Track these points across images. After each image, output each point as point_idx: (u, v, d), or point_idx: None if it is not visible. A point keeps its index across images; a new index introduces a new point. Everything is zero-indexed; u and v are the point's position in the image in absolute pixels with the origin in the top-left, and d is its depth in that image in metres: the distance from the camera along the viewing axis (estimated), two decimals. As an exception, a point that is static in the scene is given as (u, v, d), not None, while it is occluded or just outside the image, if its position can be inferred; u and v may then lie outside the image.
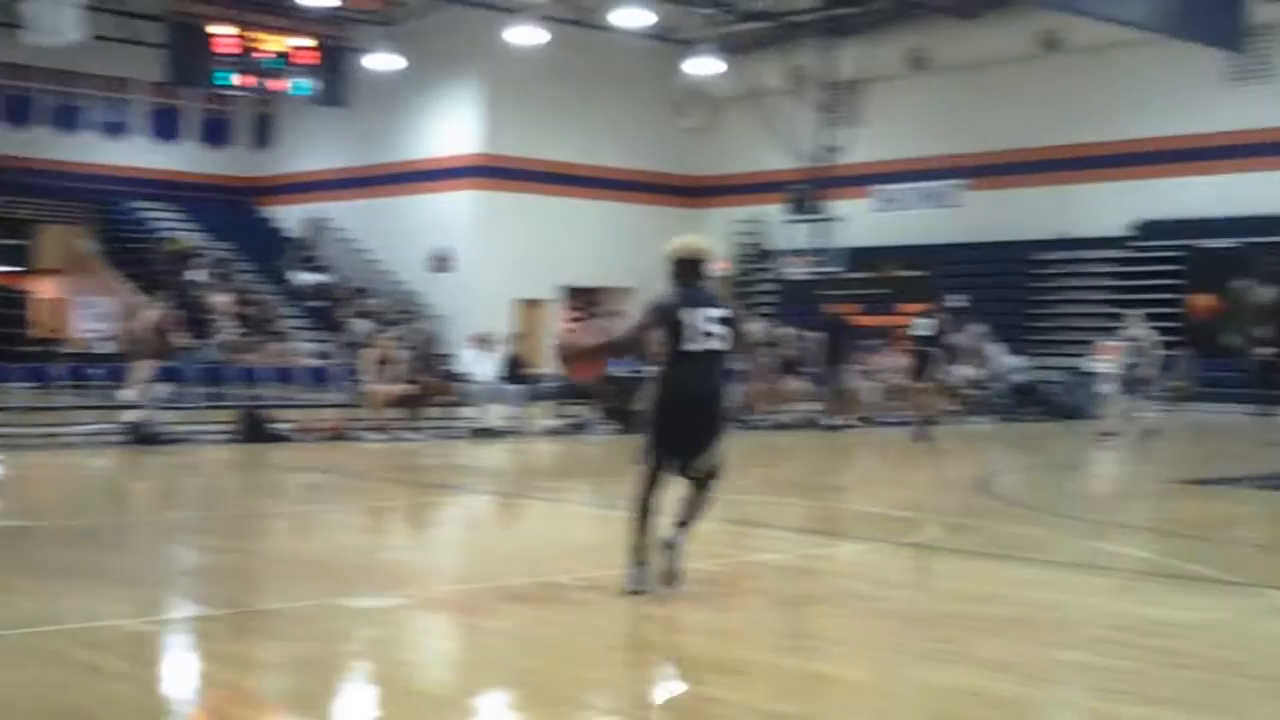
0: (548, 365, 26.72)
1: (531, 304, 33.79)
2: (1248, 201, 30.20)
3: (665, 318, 7.47)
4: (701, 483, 7.65)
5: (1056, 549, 9.92)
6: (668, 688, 6.17)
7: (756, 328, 24.23)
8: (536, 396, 20.95)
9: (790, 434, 21.12)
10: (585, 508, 13.07)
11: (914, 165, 35.17)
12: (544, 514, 12.37)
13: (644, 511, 7.57)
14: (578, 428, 20.36)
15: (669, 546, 7.57)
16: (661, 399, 7.53)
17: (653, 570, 7.49)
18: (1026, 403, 25.66)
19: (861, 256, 33.78)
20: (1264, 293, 29.39)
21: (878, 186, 35.83)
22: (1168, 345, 23.66)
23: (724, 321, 7.56)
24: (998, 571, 8.90)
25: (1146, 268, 31.48)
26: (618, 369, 21.91)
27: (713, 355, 7.50)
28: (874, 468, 17.85)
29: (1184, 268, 30.79)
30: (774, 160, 32.87)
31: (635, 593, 7.41)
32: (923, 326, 20.58)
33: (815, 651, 6.84)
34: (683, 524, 7.63)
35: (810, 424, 22.15)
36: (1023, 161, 33.46)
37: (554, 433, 20.18)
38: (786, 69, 32.60)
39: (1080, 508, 12.96)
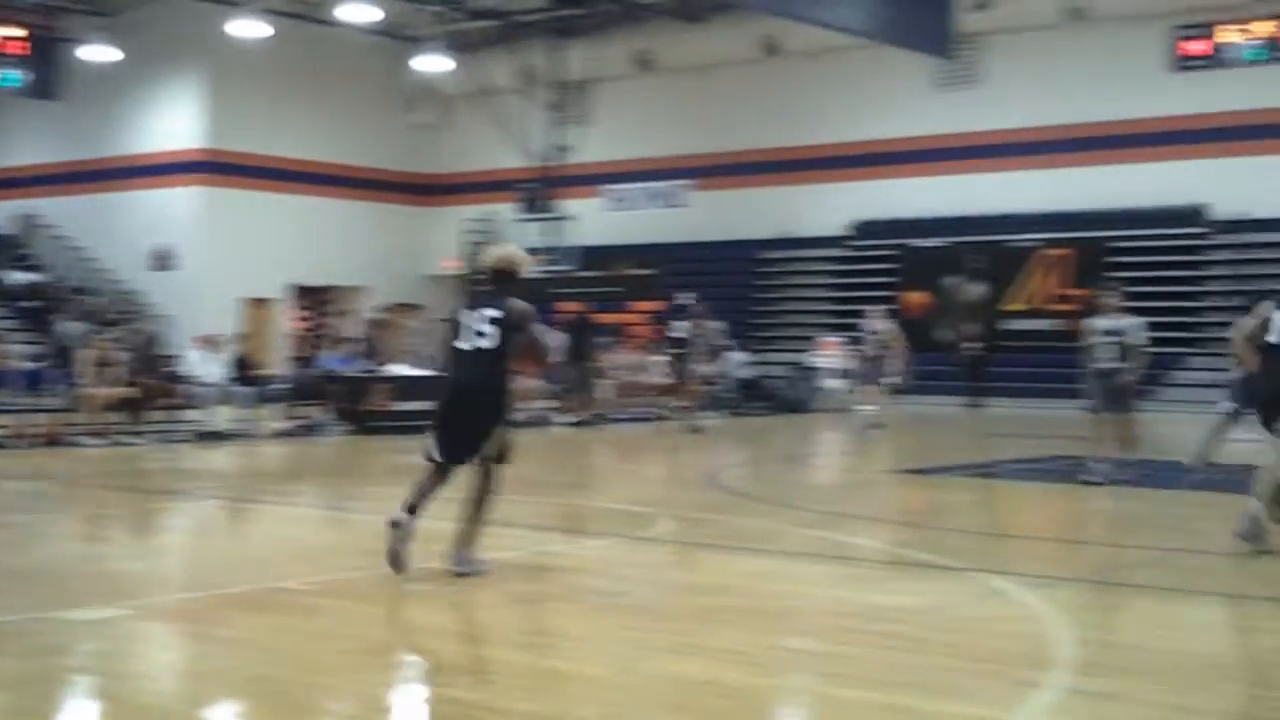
0: (276, 365, 26.15)
1: (259, 303, 32.98)
2: (957, 202, 31.60)
3: (450, 321, 8.23)
4: (482, 473, 8.18)
5: (786, 540, 10.17)
6: (405, 690, 6.09)
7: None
8: (265, 398, 20.45)
9: (525, 432, 21.12)
10: (316, 510, 12.82)
11: (642, 165, 35.63)
12: (273, 518, 12.07)
13: (419, 501, 8.03)
14: (309, 429, 19.95)
15: (395, 526, 7.84)
16: (441, 394, 8.32)
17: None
18: (752, 397, 26.26)
19: (593, 255, 34.05)
20: (972, 290, 30.77)
21: (608, 186, 36.15)
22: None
23: (494, 322, 8.05)
24: (730, 563, 9.08)
25: (864, 266, 32.62)
26: (346, 368, 21.62)
27: (480, 352, 8.03)
28: (609, 464, 18.01)
29: (898, 266, 32.02)
30: (505, 159, 32.88)
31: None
32: (680, 328, 21.74)
33: (554, 648, 6.84)
34: (411, 510, 7.93)
35: (544, 421, 22.22)
36: (746, 162, 34.25)
37: (284, 435, 19.72)
38: (516, 68, 32.64)
39: (808, 499, 13.32)
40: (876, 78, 32.01)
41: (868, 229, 32.95)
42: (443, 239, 37.10)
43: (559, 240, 32.21)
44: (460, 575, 7.91)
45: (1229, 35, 29.27)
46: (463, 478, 8.17)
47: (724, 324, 24.92)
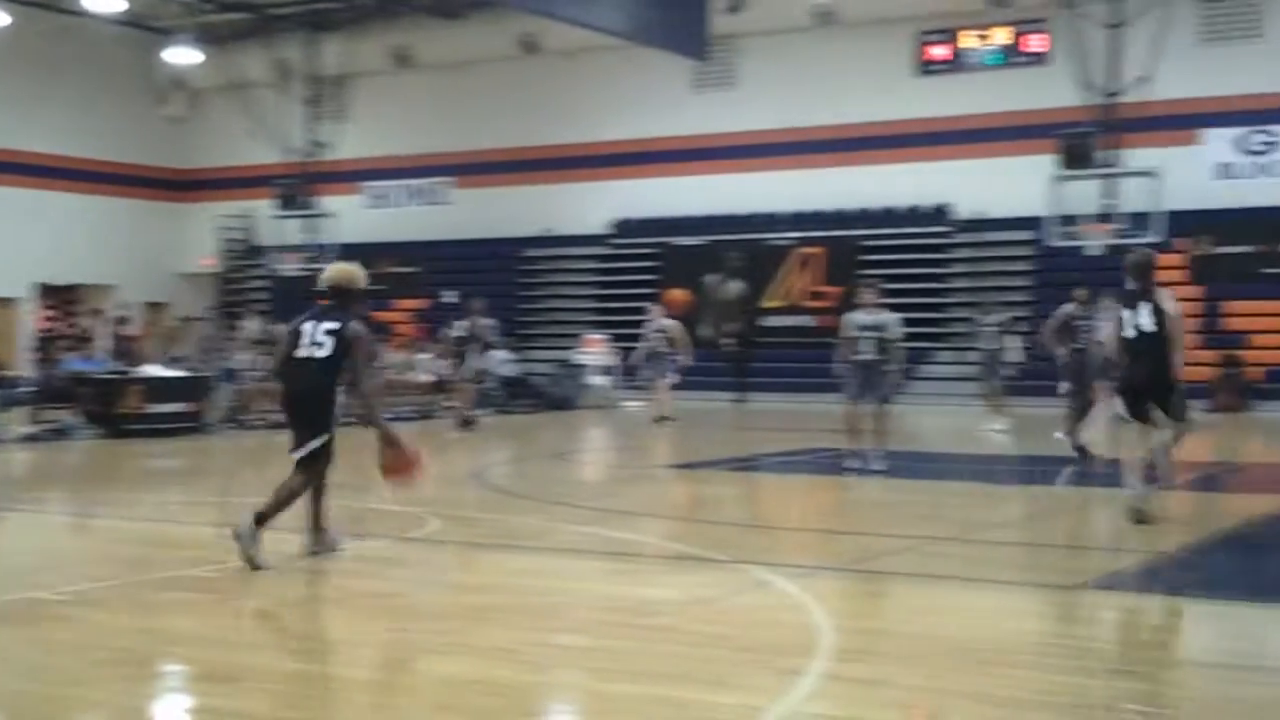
0: (21, 367, 25.06)
1: (2, 303, 31.60)
2: (715, 201, 32.16)
3: (291, 331, 8.92)
4: (299, 472, 8.88)
5: (554, 536, 10.20)
6: (165, 701, 5.91)
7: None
8: (10, 401, 19.57)
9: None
10: (66, 517, 12.33)
11: (403, 162, 35.33)
12: (20, 526, 11.55)
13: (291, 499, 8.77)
14: (57, 433, 19.15)
15: (238, 538, 8.27)
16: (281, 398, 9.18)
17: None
18: (517, 395, 26.27)
19: (354, 253, 33.54)
20: (732, 287, 31.35)
21: (368, 183, 35.75)
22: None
23: (331, 333, 8.67)
24: (500, 562, 9.07)
25: (625, 264, 32.95)
26: (96, 369, 20.84)
27: (313, 360, 8.70)
28: (371, 464, 17.71)
29: (659, 264, 32.43)
30: (261, 154, 32.18)
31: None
32: (460, 326, 21.91)
33: (320, 654, 6.74)
34: (260, 516, 8.42)
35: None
36: (508, 160, 34.26)
37: (31, 439, 18.89)
38: (270, 62, 31.93)
39: (575, 495, 13.38)
40: (635, 78, 32.35)
41: (628, 227, 33.29)
42: (198, 236, 36.14)
43: (318, 238, 31.66)
44: (315, 554, 8.76)
45: (970, 41, 30.49)
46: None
47: (495, 322, 24.93)
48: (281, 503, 8.64)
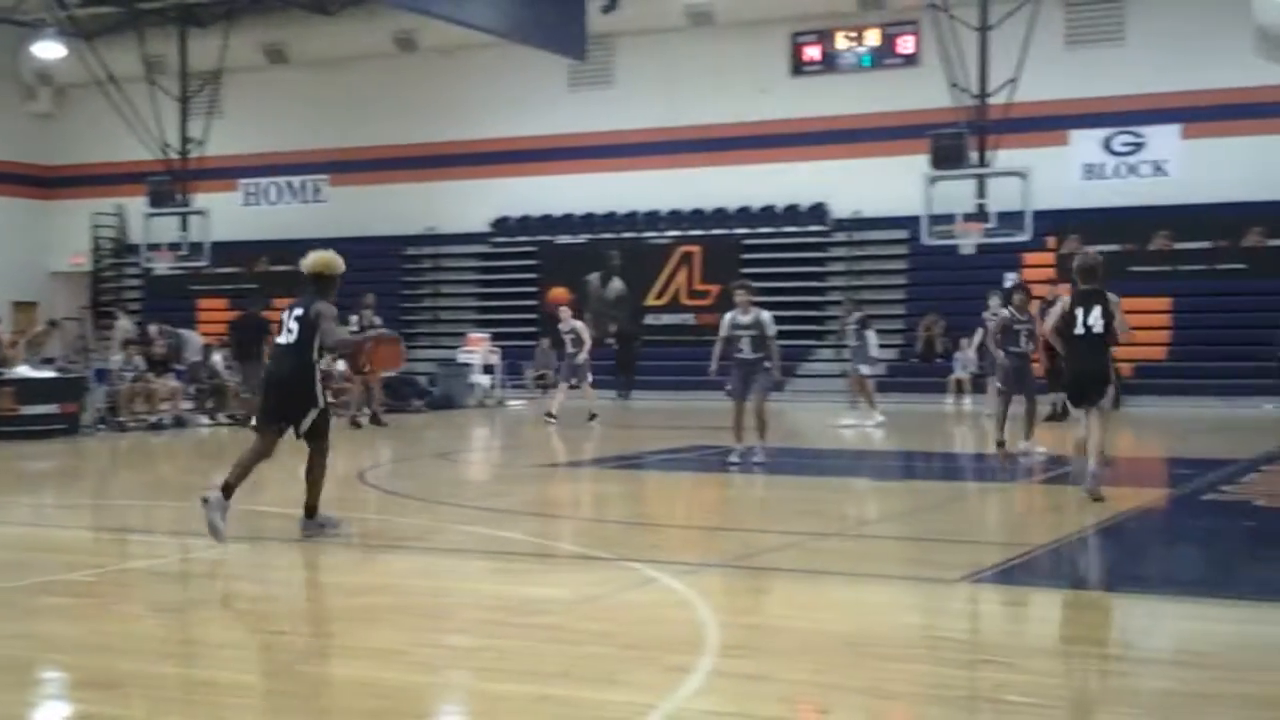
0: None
1: None
2: (595, 200, 32.22)
3: (279, 321, 9.79)
4: (312, 448, 9.64)
5: (439, 536, 10.16)
6: (43, 708, 5.79)
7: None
8: None
9: (163, 435, 20.43)
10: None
11: (279, 159, 34.93)
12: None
13: (246, 470, 9.39)
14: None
15: (205, 502, 9.05)
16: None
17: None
18: (400, 395, 26.06)
19: (231, 250, 33.12)
20: (613, 286, 31.42)
21: (243, 180, 35.26)
22: (531, 337, 25.00)
23: (299, 319, 9.49)
24: (383, 563, 9.01)
25: (506, 263, 32.89)
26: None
27: (287, 346, 9.54)
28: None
29: (539, 262, 32.42)
30: (133, 150, 31.52)
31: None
32: (352, 322, 21.68)
33: (202, 658, 6.64)
34: (225, 486, 9.19)
35: (181, 423, 21.48)
36: (387, 158, 34.01)
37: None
38: (141, 56, 31.29)
39: (460, 495, 13.34)
40: (514, 76, 32.27)
41: (508, 226, 33.22)
42: (69, 234, 35.38)
43: (192, 235, 31.12)
44: (310, 536, 9.36)
45: (843, 42, 30.86)
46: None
47: (381, 320, 24.72)
48: (317, 484, 9.64)
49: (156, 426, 21.16)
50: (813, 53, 31.11)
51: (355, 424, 21.09)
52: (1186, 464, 15.37)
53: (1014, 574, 8.45)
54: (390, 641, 6.56)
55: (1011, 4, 25.09)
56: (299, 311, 9.57)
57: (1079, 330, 11.17)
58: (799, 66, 31.21)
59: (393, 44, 32.98)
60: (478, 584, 8.19)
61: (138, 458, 17.57)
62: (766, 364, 14.33)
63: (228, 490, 9.25)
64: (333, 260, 9.96)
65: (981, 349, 18.95)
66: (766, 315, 14.41)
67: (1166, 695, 5.59)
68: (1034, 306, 16.13)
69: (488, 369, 28.19)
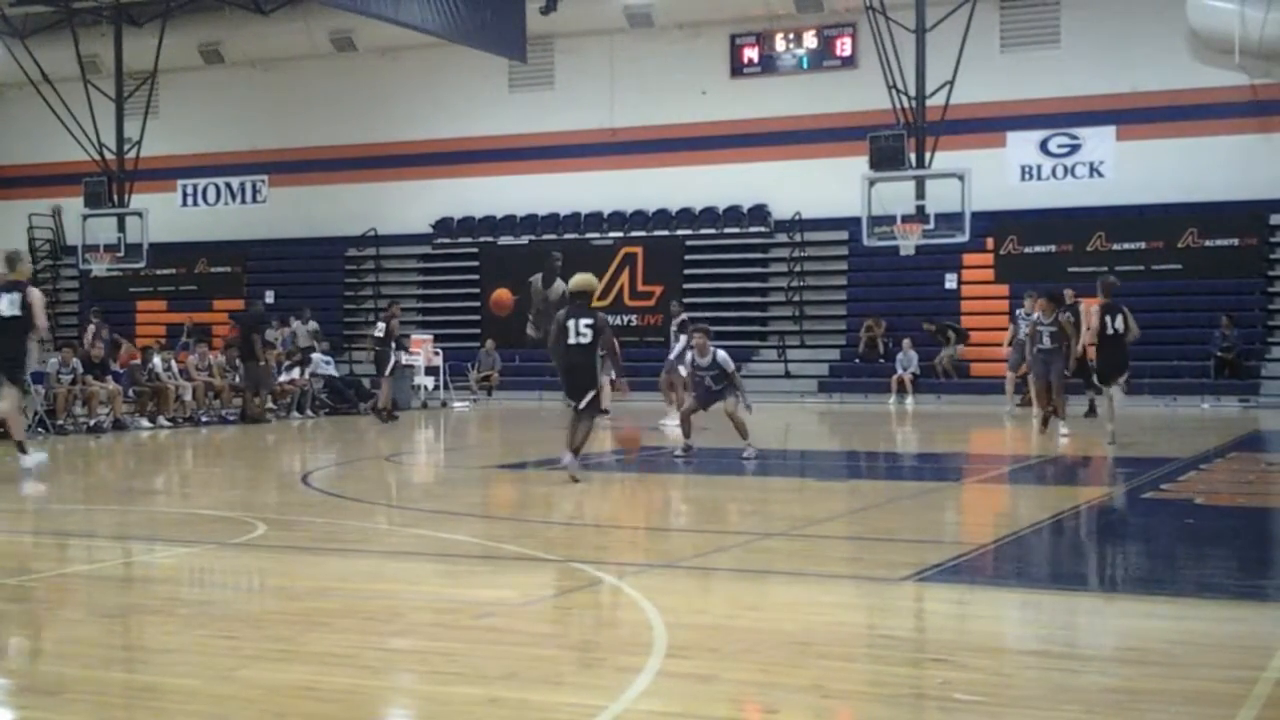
0: None
1: None
2: (537, 201, 32.20)
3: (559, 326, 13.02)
4: (583, 414, 12.90)
5: (384, 539, 10.12)
6: (-17, 718, 5.72)
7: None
8: None
9: (103, 438, 20.23)
10: None
11: (217, 160, 34.69)
12: None
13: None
14: None
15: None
16: None
17: None
18: (342, 397, 25.93)
19: (169, 252, 32.85)
20: (556, 287, 31.32)
21: (181, 181, 34.98)
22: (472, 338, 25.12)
23: (589, 327, 12.95)
24: (327, 565, 8.95)
25: (448, 264, 32.80)
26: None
27: (584, 345, 12.84)
28: (197, 468, 17.37)
29: (480, 263, 32.35)
30: (69, 151, 31.16)
31: None
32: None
33: (144, 664, 6.57)
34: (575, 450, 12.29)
35: (121, 426, 21.28)
36: (327, 159, 33.84)
37: None
38: (76, 56, 30.93)
39: (404, 497, 13.30)
40: (454, 77, 32.20)
41: (450, 227, 33.12)
42: (5, 235, 34.91)
43: (130, 237, 30.78)
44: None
45: (781, 44, 30.98)
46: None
47: (315, 324, 24.60)
48: (586, 436, 13.28)
49: (95, 429, 20.94)
50: (752, 54, 31.21)
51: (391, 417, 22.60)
52: (1127, 463, 15.53)
53: (959, 572, 8.51)
54: (336, 645, 6.52)
55: (948, 7, 25.29)
56: (588, 320, 12.98)
57: (1109, 333, 16.24)
58: (738, 68, 31.30)
59: (330, 44, 32.81)
60: (424, 586, 8.16)
61: (77, 461, 17.38)
62: (730, 391, 15.31)
63: (576, 452, 13.05)
64: (593, 280, 13.98)
65: (1018, 345, 21.49)
66: (723, 355, 15.34)
67: (1110, 692, 5.66)
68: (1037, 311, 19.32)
69: (430, 371, 28.09)
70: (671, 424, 20.76)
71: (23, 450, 14.41)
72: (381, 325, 23.46)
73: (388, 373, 22.97)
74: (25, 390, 16.25)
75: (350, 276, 33.96)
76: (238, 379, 23.60)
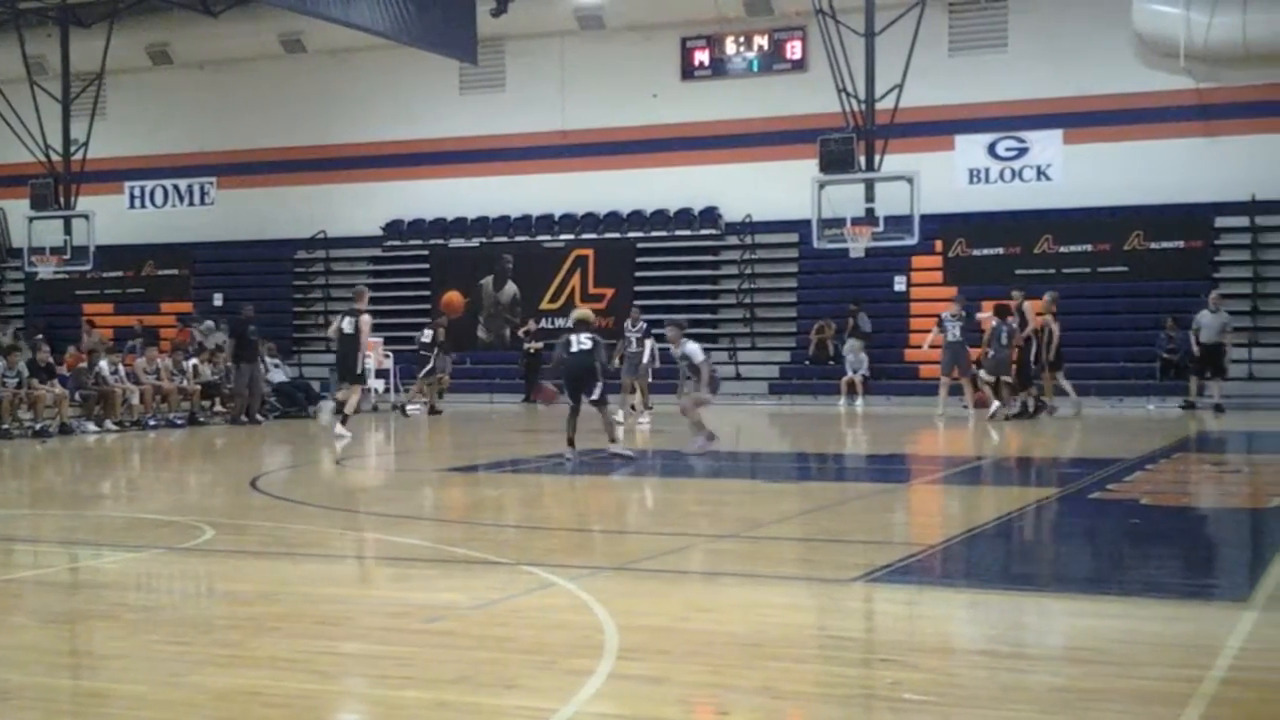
0: None
1: None
2: (488, 204, 32.13)
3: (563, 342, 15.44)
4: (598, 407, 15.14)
5: (333, 543, 10.07)
6: (-74, 727, 5.65)
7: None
8: None
9: (49, 442, 20.04)
10: None
11: (165, 161, 34.44)
12: None
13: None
14: None
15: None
16: None
17: None
18: (291, 400, 25.78)
19: (116, 254, 32.59)
20: (507, 290, 31.32)
21: (129, 182, 34.69)
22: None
23: (591, 339, 15.37)
24: (276, 570, 8.89)
25: (399, 266, 32.69)
26: None
27: (586, 351, 15.18)
28: (145, 472, 17.22)
29: (431, 266, 32.25)
30: (14, 153, 30.83)
31: None
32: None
33: (90, 669, 6.52)
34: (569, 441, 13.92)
35: (67, 431, 21.09)
36: (276, 160, 33.64)
37: None
38: (21, 56, 30.60)
39: (354, 501, 13.23)
40: (404, 79, 32.10)
41: (401, 229, 33.00)
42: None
43: (76, 239, 30.47)
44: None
45: (731, 47, 31.05)
46: None
47: (255, 327, 24.45)
48: (611, 425, 15.62)
49: (41, 434, 20.74)
50: (702, 57, 31.26)
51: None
52: (1073, 463, 15.66)
53: (908, 573, 8.56)
54: (286, 650, 6.49)
55: (897, 10, 25.42)
56: (586, 334, 15.39)
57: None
58: (689, 71, 31.34)
59: (280, 45, 32.62)
60: (374, 590, 8.13)
61: (22, 466, 17.20)
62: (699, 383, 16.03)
63: (571, 443, 15.12)
64: (590, 313, 16.32)
65: (949, 348, 22.98)
66: (692, 346, 16.22)
67: (1059, 691, 5.70)
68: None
69: (381, 373, 27.96)
70: (644, 423, 21.03)
71: None
72: (429, 332, 25.65)
73: (422, 374, 25.53)
74: None
75: (299, 279, 33.76)
76: (230, 381, 23.86)
